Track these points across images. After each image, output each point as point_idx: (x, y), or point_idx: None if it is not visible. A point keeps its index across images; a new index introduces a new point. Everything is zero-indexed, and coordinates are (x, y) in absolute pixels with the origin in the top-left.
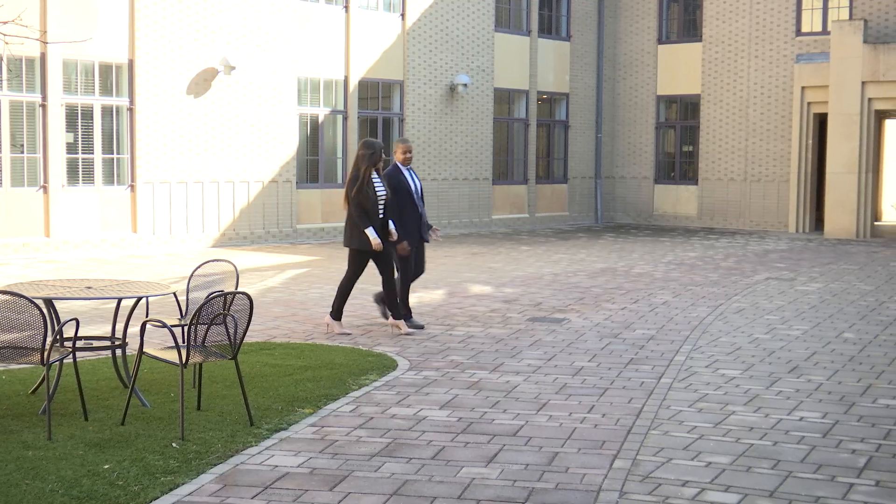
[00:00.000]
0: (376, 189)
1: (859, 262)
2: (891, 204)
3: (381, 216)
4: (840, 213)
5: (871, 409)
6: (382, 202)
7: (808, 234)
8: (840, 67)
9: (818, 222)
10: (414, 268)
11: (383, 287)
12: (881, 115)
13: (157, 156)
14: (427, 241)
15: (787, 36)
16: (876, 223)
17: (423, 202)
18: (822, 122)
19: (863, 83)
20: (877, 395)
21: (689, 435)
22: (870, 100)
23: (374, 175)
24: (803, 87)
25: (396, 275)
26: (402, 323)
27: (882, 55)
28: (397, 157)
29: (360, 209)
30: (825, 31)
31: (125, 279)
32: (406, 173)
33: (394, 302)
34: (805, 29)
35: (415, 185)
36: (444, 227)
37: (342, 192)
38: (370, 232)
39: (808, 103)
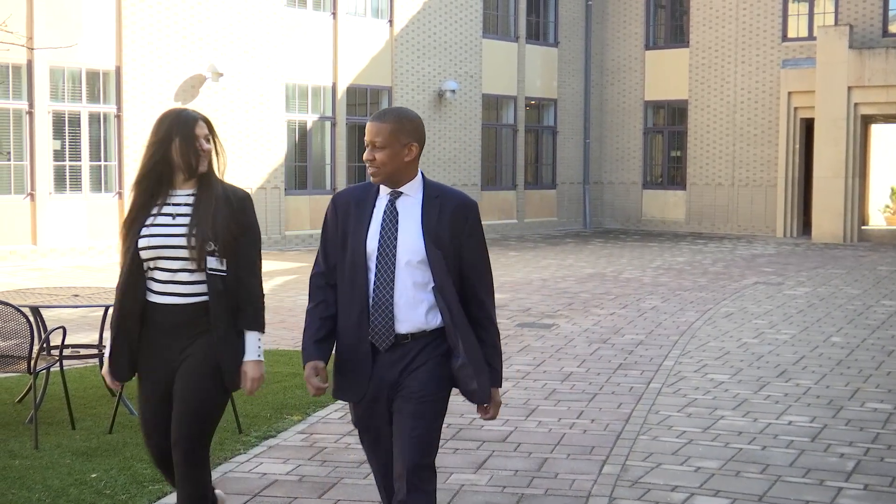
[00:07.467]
0: (142, 233)
1: (846, 266)
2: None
3: (168, 303)
4: (827, 218)
5: (859, 412)
6: (173, 265)
7: (795, 239)
8: (826, 72)
9: (805, 227)
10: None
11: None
12: (867, 120)
13: None
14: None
15: (773, 41)
16: (863, 227)
17: (437, 287)
18: (808, 126)
19: (849, 88)
20: (865, 398)
21: (678, 440)
22: (856, 105)
23: (176, 195)
24: (790, 93)
25: None
26: None
27: (867, 60)
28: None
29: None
30: (811, 37)
31: (113, 287)
32: (381, 203)
33: None
34: (791, 34)
35: (380, 236)
36: None
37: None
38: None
39: (795, 108)
